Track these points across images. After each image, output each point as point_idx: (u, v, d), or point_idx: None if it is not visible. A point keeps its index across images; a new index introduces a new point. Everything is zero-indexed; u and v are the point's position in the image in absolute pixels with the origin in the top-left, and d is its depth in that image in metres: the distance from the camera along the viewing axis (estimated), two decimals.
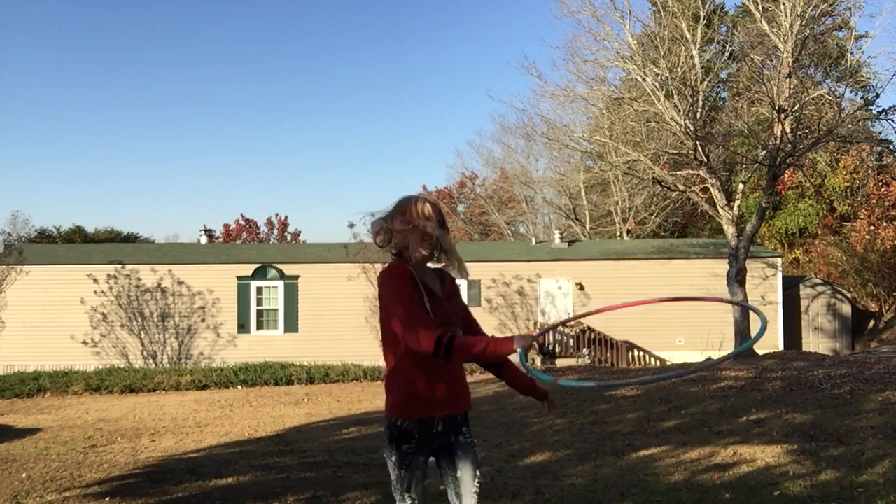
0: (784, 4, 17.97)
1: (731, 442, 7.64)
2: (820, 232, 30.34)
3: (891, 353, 18.13)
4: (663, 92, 18.60)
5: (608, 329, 21.70)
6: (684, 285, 22.40)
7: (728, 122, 21.74)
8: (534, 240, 28.08)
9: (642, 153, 20.10)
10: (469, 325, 3.19)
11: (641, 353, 21.97)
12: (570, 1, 19.93)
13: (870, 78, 24.17)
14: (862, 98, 24.91)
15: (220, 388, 16.40)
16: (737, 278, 18.80)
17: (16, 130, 67.86)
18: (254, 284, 22.53)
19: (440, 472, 3.10)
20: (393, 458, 3.00)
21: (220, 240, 39.28)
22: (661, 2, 19.69)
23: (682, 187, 20.78)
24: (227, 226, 42.68)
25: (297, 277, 22.52)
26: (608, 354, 21.25)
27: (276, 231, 43.50)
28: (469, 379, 3.19)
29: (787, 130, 18.36)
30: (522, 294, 22.68)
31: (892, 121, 34.92)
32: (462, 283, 24.68)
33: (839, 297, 24.86)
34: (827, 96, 19.56)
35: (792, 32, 17.90)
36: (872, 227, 27.28)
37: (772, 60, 19.74)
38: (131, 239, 38.95)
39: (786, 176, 27.70)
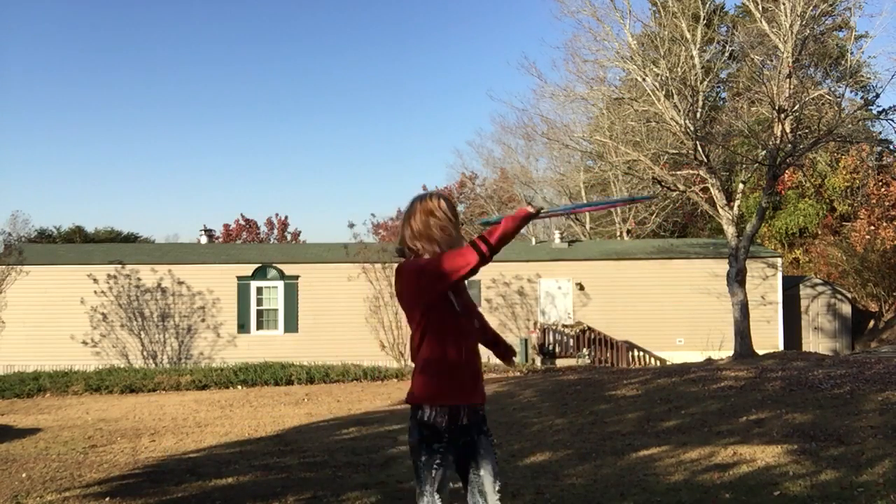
0: (784, 4, 17.96)
1: (731, 442, 7.64)
2: (820, 232, 30.34)
3: (891, 353, 18.13)
4: (663, 92, 18.60)
5: (608, 329, 21.71)
6: (684, 285, 22.42)
7: (728, 122, 21.74)
8: (534, 240, 28.09)
9: (642, 153, 20.10)
10: (479, 318, 3.29)
11: (641, 353, 21.98)
12: (570, 1, 19.94)
13: (870, 78, 24.20)
14: (862, 98, 24.92)
15: (220, 388, 16.39)
16: (737, 278, 18.80)
17: (16, 130, 67.91)
18: (254, 284, 22.54)
19: (459, 472, 3.12)
20: (423, 459, 3.00)
21: (220, 240, 39.28)
22: (661, 2, 19.69)
23: (682, 187, 20.78)
24: (227, 226, 42.68)
25: (297, 277, 22.52)
26: (608, 354, 21.25)
27: (276, 231, 43.49)
28: None
29: (787, 130, 18.36)
30: (522, 294, 22.68)
31: (892, 121, 35.00)
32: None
33: (839, 297, 24.86)
34: (827, 96, 19.56)
35: (792, 32, 17.90)
36: (872, 227, 27.28)
37: (772, 60, 19.74)
38: (131, 239, 38.95)
39: (786, 176, 27.70)
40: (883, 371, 11.29)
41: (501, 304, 22.40)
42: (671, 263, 23.08)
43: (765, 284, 22.74)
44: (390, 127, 72.76)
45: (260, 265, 22.75)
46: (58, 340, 21.33)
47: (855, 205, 30.05)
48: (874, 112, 25.42)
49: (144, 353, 22.05)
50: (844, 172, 30.03)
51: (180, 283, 22.41)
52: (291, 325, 22.43)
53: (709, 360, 17.95)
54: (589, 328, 21.83)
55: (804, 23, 18.14)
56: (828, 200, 30.81)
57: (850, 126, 19.98)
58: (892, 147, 29.93)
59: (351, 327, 20.96)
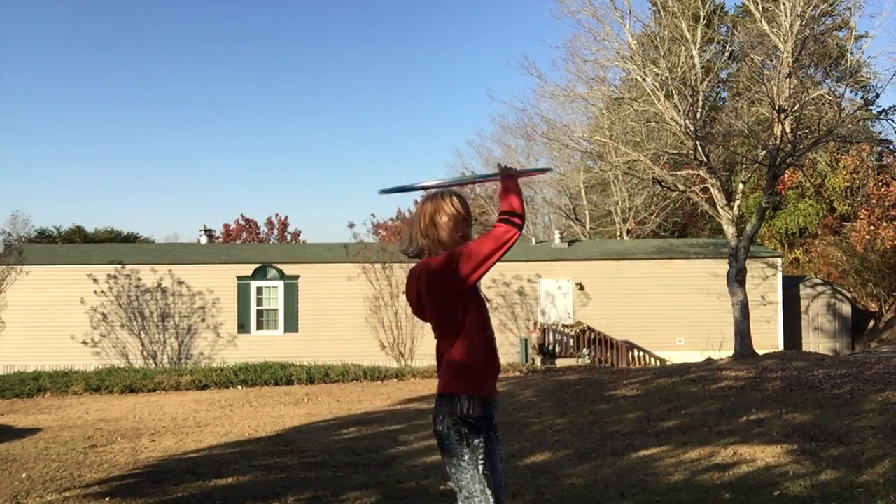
0: (784, 4, 17.96)
1: (731, 442, 7.64)
2: (820, 232, 30.34)
3: (891, 353, 18.13)
4: (663, 92, 18.60)
5: (608, 329, 21.70)
6: (684, 285, 22.41)
7: (728, 122, 21.74)
8: (534, 240, 28.08)
9: (642, 153, 20.10)
10: None
11: (641, 353, 21.98)
12: (570, 1, 19.94)
13: (870, 78, 24.20)
14: (862, 98, 24.92)
15: (220, 388, 16.39)
16: (737, 278, 18.80)
17: (16, 130, 67.90)
18: (254, 284, 22.53)
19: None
20: (466, 458, 2.93)
21: (220, 240, 39.27)
22: (661, 2, 19.69)
23: (682, 187, 20.78)
24: (227, 226, 42.67)
25: (297, 277, 22.52)
26: (608, 354, 21.25)
27: (276, 231, 43.49)
28: None
29: (787, 130, 18.36)
30: (522, 294, 22.68)
31: (892, 121, 35.00)
32: None
33: (839, 297, 24.86)
34: (827, 96, 19.56)
35: (792, 32, 17.90)
36: (872, 227, 27.28)
37: (772, 60, 19.74)
38: (131, 239, 38.94)
39: (786, 176, 27.70)
40: (883, 371, 11.29)
41: (501, 304, 22.40)
42: (671, 263, 23.08)
43: (765, 284, 22.74)
44: (390, 127, 72.79)
45: (260, 265, 22.75)
46: (58, 340, 21.32)
47: (855, 205, 30.05)
48: (874, 112, 25.44)
49: (144, 353, 22.04)
50: (844, 172, 30.04)
51: (180, 283, 22.40)
52: (291, 325, 22.43)
53: (709, 360, 17.95)
54: (589, 328, 21.82)
55: (804, 23, 18.14)
56: (828, 200, 30.82)
57: (850, 126, 19.98)
58: (892, 147, 29.94)
59: (351, 327, 20.96)
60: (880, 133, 29.91)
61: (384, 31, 72.39)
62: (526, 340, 21.56)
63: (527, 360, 20.84)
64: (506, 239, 2.89)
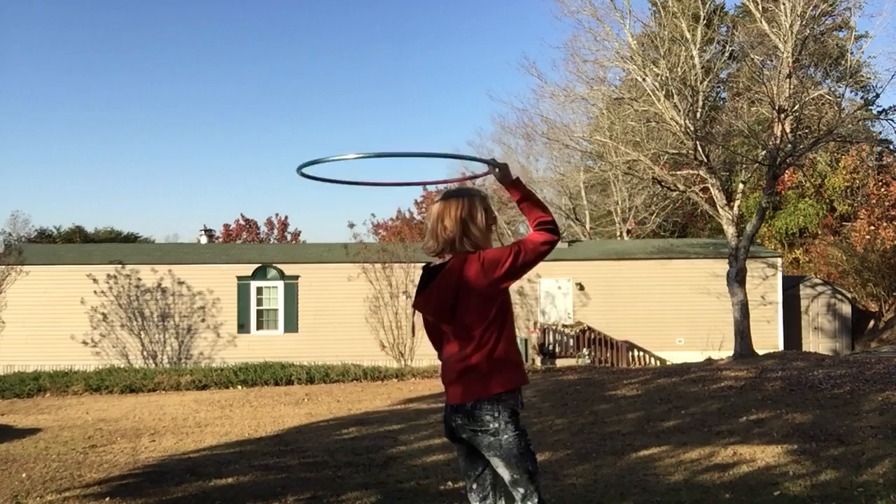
0: (784, 4, 17.97)
1: (731, 442, 7.64)
2: (820, 232, 30.34)
3: (891, 353, 18.13)
4: (663, 92, 18.60)
5: (608, 329, 21.71)
6: (684, 285, 22.42)
7: (728, 122, 21.74)
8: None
9: (642, 153, 20.10)
10: None
11: (641, 353, 21.98)
12: (570, 1, 19.95)
13: (870, 78, 24.20)
14: (862, 98, 24.93)
15: (220, 388, 16.38)
16: (737, 278, 18.80)
17: (16, 130, 67.91)
18: (254, 284, 22.53)
19: (478, 465, 3.17)
20: (525, 442, 3.03)
21: (220, 240, 39.28)
22: (661, 2, 19.69)
23: (682, 187, 20.78)
24: (227, 226, 42.67)
25: (297, 277, 22.52)
26: (608, 354, 21.26)
27: (276, 231, 43.49)
28: None
29: (787, 130, 18.37)
30: (522, 294, 22.69)
31: (892, 121, 34.92)
32: None
33: (839, 297, 24.86)
34: (827, 96, 19.56)
35: (792, 32, 17.90)
36: (872, 227, 27.28)
37: (772, 60, 19.74)
38: (131, 239, 38.94)
39: (786, 176, 27.70)
40: (883, 371, 11.29)
41: None
42: (671, 263, 23.08)
43: (765, 284, 22.74)
44: (390, 127, 72.81)
45: (260, 265, 22.75)
46: (58, 340, 21.32)
47: (855, 205, 30.05)
48: (874, 112, 25.40)
49: (144, 353, 22.04)
50: (844, 172, 30.04)
51: (180, 283, 22.41)
52: (291, 325, 22.43)
53: (709, 360, 17.96)
54: (589, 328, 21.83)
55: (804, 23, 18.14)
56: (828, 200, 30.81)
57: (850, 126, 19.97)
58: (892, 147, 29.94)
59: (351, 327, 20.96)
60: (880, 133, 29.92)
61: (384, 30, 72.44)
62: (526, 340, 21.56)
63: (527, 360, 20.85)
64: (550, 240, 3.04)
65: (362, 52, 71.20)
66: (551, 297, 22.77)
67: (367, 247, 21.33)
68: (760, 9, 18.53)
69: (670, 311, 22.22)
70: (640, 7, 40.13)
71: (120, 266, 22.29)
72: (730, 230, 19.10)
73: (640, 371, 15.41)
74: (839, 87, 20.59)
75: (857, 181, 30.12)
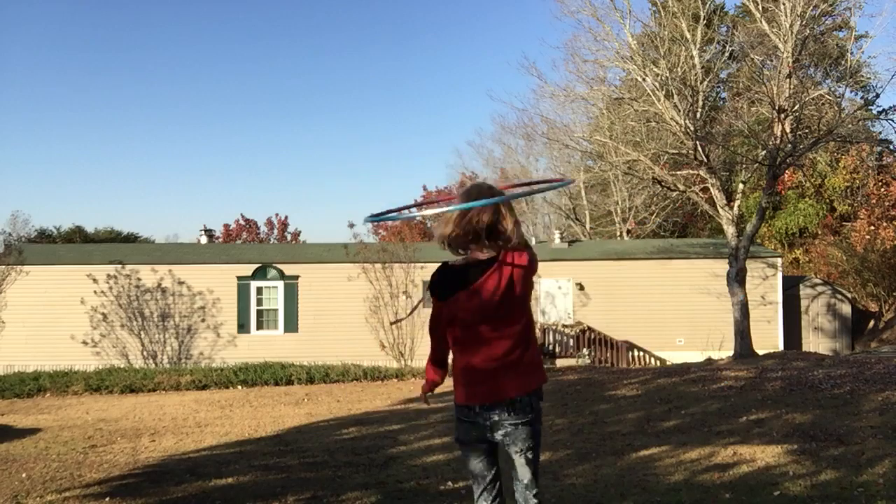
0: (784, 4, 17.96)
1: (731, 442, 7.64)
2: (820, 232, 30.33)
3: (891, 353, 18.12)
4: (663, 92, 18.60)
5: (608, 329, 21.71)
6: (684, 285, 22.42)
7: (728, 122, 21.74)
8: (534, 240, 28.08)
9: (642, 153, 20.10)
10: None
11: (641, 353, 21.98)
12: (570, 1, 19.95)
13: (870, 78, 24.19)
14: (862, 98, 24.92)
15: (220, 388, 16.38)
16: (737, 278, 18.80)
17: (16, 130, 67.91)
18: (254, 284, 22.53)
19: (493, 467, 3.24)
20: (540, 438, 3.22)
21: (220, 240, 39.27)
22: (661, 2, 19.69)
23: (682, 187, 20.78)
24: (227, 226, 42.66)
25: (297, 277, 22.52)
26: (608, 354, 21.26)
27: (276, 231, 43.48)
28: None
29: (787, 130, 18.36)
30: None
31: (892, 121, 34.98)
32: None
33: (839, 297, 24.86)
34: (827, 96, 19.56)
35: (792, 32, 17.90)
36: (872, 227, 27.28)
37: (772, 60, 19.74)
38: (131, 239, 38.93)
39: (786, 176, 27.70)
40: (883, 371, 11.29)
41: None
42: (671, 263, 23.08)
43: (765, 284, 22.74)
44: (390, 127, 72.86)
45: (260, 265, 22.75)
46: (58, 340, 21.32)
47: (855, 205, 30.04)
48: (874, 112, 25.41)
49: (144, 353, 22.04)
50: (844, 172, 30.03)
51: (180, 283, 22.40)
52: (291, 325, 22.43)
53: (709, 360, 17.95)
54: (589, 328, 21.83)
55: (804, 23, 18.14)
56: (828, 200, 30.81)
57: (850, 126, 19.98)
58: (892, 147, 29.94)
59: (351, 327, 20.95)
60: (880, 133, 29.92)
61: (384, 30, 72.46)
62: None
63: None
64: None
65: (362, 52, 71.26)
66: (551, 296, 22.77)
67: (367, 247, 21.31)
68: (760, 9, 18.53)
69: (670, 311, 22.22)
70: (640, 7, 40.17)
71: (120, 266, 22.28)
72: (730, 230, 19.09)
73: (640, 371, 15.41)
74: (839, 87, 20.60)
75: (857, 181, 30.12)
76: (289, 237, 43.47)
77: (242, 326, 22.35)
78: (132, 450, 9.15)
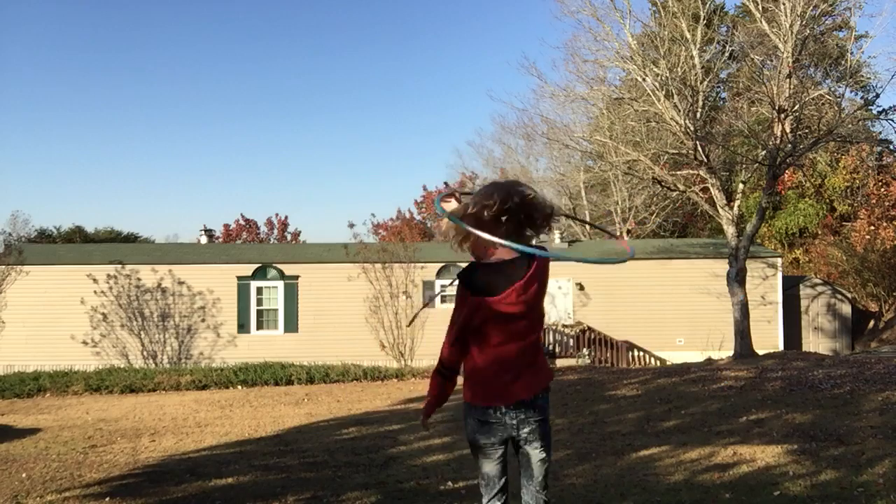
0: (784, 4, 17.97)
1: (731, 442, 7.64)
2: (820, 232, 30.33)
3: (891, 353, 18.12)
4: (663, 92, 18.60)
5: (608, 329, 21.70)
6: (684, 285, 22.42)
7: (728, 122, 21.74)
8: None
9: (642, 153, 20.10)
10: None
11: (641, 353, 21.98)
12: (570, 1, 19.94)
13: (870, 78, 24.18)
14: (862, 98, 24.91)
15: (220, 388, 16.38)
16: (737, 278, 18.80)
17: (16, 130, 67.91)
18: (254, 284, 22.53)
19: (505, 470, 3.28)
20: None
21: (220, 240, 39.26)
22: (661, 2, 19.69)
23: (682, 187, 20.78)
24: (227, 226, 42.65)
25: (297, 277, 22.52)
26: (608, 354, 21.25)
27: (276, 231, 43.48)
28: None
29: (787, 130, 18.36)
30: None
31: (892, 121, 34.89)
32: None
33: (839, 297, 24.86)
34: (827, 96, 19.56)
35: (792, 32, 17.90)
36: (872, 227, 27.28)
37: (772, 60, 19.74)
38: (131, 239, 38.92)
39: (786, 176, 27.69)
40: (883, 371, 11.29)
41: None
42: (671, 263, 23.07)
43: (765, 284, 22.74)
44: (390, 127, 72.84)
45: (260, 265, 22.75)
46: (58, 340, 21.32)
47: (855, 205, 30.04)
48: (874, 112, 25.41)
49: (144, 353, 22.04)
50: (844, 172, 30.03)
51: (180, 283, 22.40)
52: (291, 325, 22.43)
53: (709, 360, 17.95)
54: (589, 328, 21.82)
55: (804, 23, 18.14)
56: (828, 200, 30.81)
57: (850, 126, 19.97)
58: (892, 147, 29.92)
59: (351, 327, 20.95)
60: (880, 133, 29.90)
61: (384, 30, 72.47)
62: None
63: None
64: None
65: (362, 52, 71.27)
66: (551, 296, 22.75)
67: (367, 247, 21.31)
68: (760, 9, 18.53)
69: (670, 311, 22.22)
70: (640, 7, 40.17)
71: (120, 266, 22.28)
72: (730, 230, 19.09)
73: (640, 371, 15.42)
74: (839, 87, 20.59)
75: (857, 181, 30.12)
76: (289, 237, 43.46)
77: (242, 326, 22.35)
78: (132, 450, 9.15)
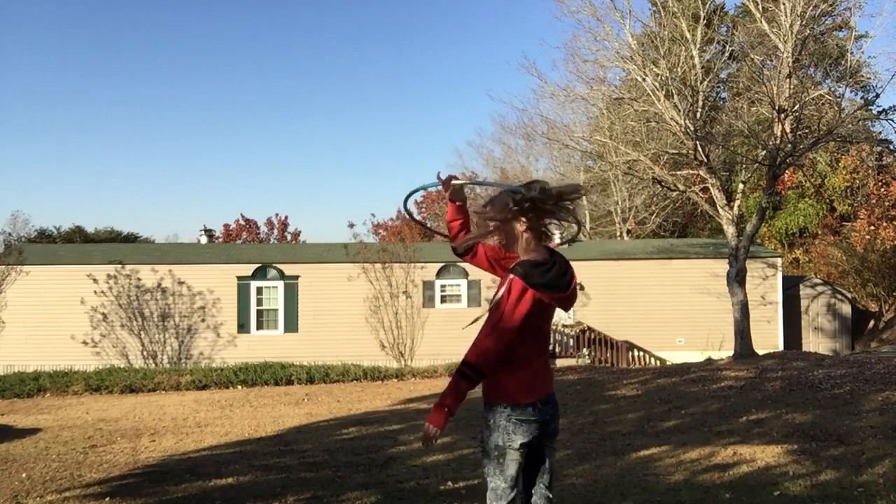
0: (784, 4, 17.96)
1: (731, 442, 7.64)
2: (820, 232, 30.33)
3: (891, 353, 18.12)
4: (663, 92, 18.60)
5: (608, 329, 21.70)
6: (684, 285, 22.41)
7: (728, 122, 21.74)
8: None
9: (642, 153, 20.10)
10: None
11: (641, 353, 21.98)
12: (570, 1, 19.93)
13: (870, 78, 24.18)
14: (862, 98, 24.91)
15: (220, 388, 16.38)
16: (737, 278, 18.80)
17: (16, 130, 67.92)
18: (254, 284, 22.52)
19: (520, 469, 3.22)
20: None
21: (220, 240, 39.27)
22: (661, 2, 19.69)
23: (682, 187, 20.78)
24: (227, 226, 42.68)
25: (297, 277, 22.51)
26: (608, 354, 21.25)
27: (276, 231, 43.49)
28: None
29: (787, 130, 18.36)
30: None
31: (892, 121, 35.00)
32: (462, 283, 24.27)
33: (839, 297, 24.85)
34: (827, 96, 19.56)
35: (792, 32, 17.90)
36: (872, 227, 27.27)
37: (772, 60, 19.73)
38: (131, 239, 38.93)
39: (786, 176, 27.68)
40: (883, 371, 11.29)
41: None
42: (671, 263, 23.07)
43: (765, 284, 22.74)
44: (390, 126, 72.87)
45: (260, 265, 22.74)
46: (58, 340, 21.31)
47: (855, 205, 30.03)
48: (874, 112, 25.41)
49: (144, 353, 22.03)
50: (844, 172, 30.02)
51: (180, 283, 22.39)
52: (291, 325, 22.42)
53: (709, 360, 17.95)
54: (589, 328, 21.82)
55: (804, 23, 18.14)
56: (828, 200, 30.80)
57: (850, 126, 19.97)
58: (892, 147, 29.93)
59: (351, 327, 20.95)
60: (880, 133, 29.90)
61: (384, 30, 72.48)
62: None
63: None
64: None
65: (362, 52, 71.29)
66: None
67: (367, 247, 21.30)
68: (760, 9, 18.53)
69: (670, 311, 22.22)
70: (640, 7, 40.17)
71: (120, 266, 22.27)
72: (730, 230, 19.09)
73: (640, 371, 15.42)
74: (839, 87, 20.59)
75: (857, 181, 30.11)
76: (289, 237, 43.48)
77: (242, 326, 22.35)
78: (132, 450, 9.15)
